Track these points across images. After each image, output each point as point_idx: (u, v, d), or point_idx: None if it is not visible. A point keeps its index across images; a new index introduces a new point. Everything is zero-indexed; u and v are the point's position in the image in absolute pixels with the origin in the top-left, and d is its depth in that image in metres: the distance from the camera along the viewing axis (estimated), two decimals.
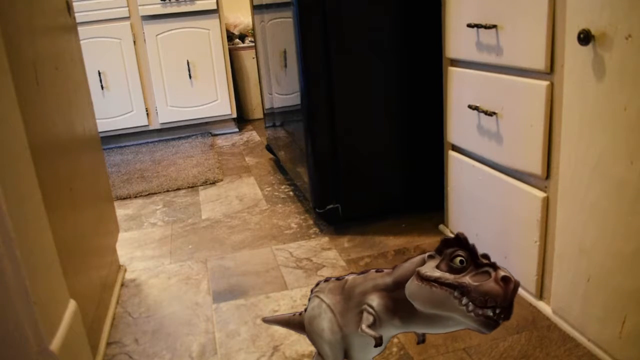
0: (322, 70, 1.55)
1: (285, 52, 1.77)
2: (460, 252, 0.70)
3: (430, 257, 0.74)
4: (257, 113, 3.42)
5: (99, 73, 2.87)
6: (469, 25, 1.27)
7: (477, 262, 0.69)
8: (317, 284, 0.92)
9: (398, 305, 0.76)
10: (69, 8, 1.33)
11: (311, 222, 1.80)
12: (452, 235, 0.72)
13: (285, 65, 1.81)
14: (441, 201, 1.61)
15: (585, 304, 1.04)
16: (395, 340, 1.13)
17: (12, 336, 0.76)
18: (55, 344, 0.80)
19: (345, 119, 1.60)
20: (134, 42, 2.89)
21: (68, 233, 1.02)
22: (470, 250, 0.70)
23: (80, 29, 1.48)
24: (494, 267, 0.68)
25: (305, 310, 0.94)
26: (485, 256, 0.70)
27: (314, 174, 1.66)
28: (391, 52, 1.58)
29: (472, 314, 0.66)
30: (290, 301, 1.32)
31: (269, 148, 2.55)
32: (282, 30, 1.77)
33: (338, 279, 0.88)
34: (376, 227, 1.69)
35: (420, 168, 1.70)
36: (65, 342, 0.84)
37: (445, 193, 1.58)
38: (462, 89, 1.39)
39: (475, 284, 0.67)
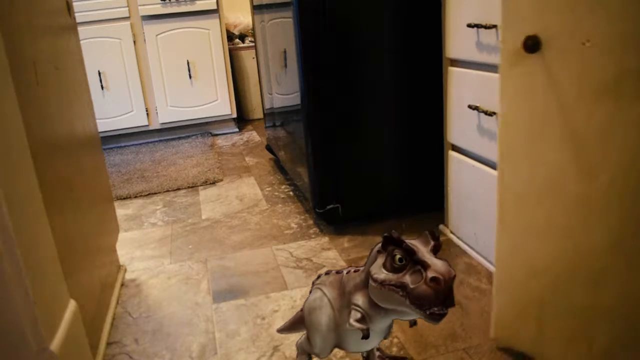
0: (322, 70, 1.55)
1: (285, 52, 1.77)
2: (397, 251, 0.73)
3: (379, 252, 0.77)
4: (257, 113, 3.42)
5: (99, 73, 2.87)
6: (469, 25, 1.27)
7: (414, 259, 0.72)
8: (319, 277, 0.95)
9: None
10: (69, 8, 1.33)
11: (311, 222, 1.80)
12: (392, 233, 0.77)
13: (285, 65, 1.81)
14: (441, 201, 1.61)
15: (541, 329, 0.97)
16: (396, 340, 1.13)
17: (12, 336, 0.76)
18: (55, 344, 0.80)
19: (345, 118, 1.60)
20: (134, 42, 2.89)
21: (68, 233, 1.02)
22: (406, 250, 0.72)
23: (80, 29, 1.49)
24: (425, 266, 0.70)
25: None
26: (436, 245, 0.74)
27: (314, 174, 1.66)
28: (391, 52, 1.58)
29: (413, 309, 0.71)
30: (290, 301, 1.32)
31: (269, 148, 2.55)
32: (282, 30, 1.77)
33: (338, 272, 0.91)
34: (376, 227, 1.69)
35: (420, 168, 1.70)
36: (65, 342, 0.84)
37: (445, 193, 1.58)
38: (462, 89, 1.39)
39: (412, 286, 0.70)
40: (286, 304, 1.31)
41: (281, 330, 1.09)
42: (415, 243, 0.75)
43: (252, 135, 3.11)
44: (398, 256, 0.73)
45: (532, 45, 0.80)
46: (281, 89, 1.99)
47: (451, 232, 1.58)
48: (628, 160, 0.83)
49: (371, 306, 0.80)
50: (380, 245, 0.77)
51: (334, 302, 0.88)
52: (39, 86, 0.97)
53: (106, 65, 2.88)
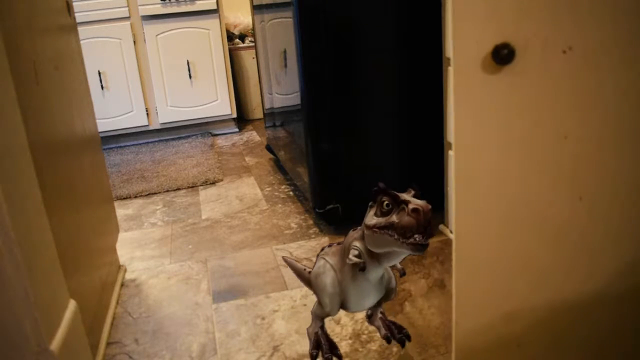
0: (322, 70, 1.55)
1: (285, 52, 1.77)
2: (385, 197, 0.87)
3: (371, 206, 0.92)
4: (257, 113, 3.42)
5: (99, 73, 2.87)
6: None
7: (398, 201, 0.86)
8: (323, 249, 1.10)
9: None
10: (69, 8, 1.33)
11: (311, 222, 1.80)
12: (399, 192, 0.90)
13: (285, 65, 1.81)
14: (441, 201, 1.61)
15: None
16: None
17: (12, 336, 0.76)
18: (55, 344, 0.80)
19: (345, 118, 1.60)
20: (134, 42, 2.89)
21: (68, 233, 1.02)
22: (391, 195, 0.87)
23: (80, 29, 1.49)
24: (406, 202, 0.84)
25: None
26: (413, 187, 0.89)
27: (314, 174, 1.66)
28: (391, 51, 1.58)
29: (404, 244, 0.83)
30: (290, 301, 1.32)
31: (269, 148, 2.55)
32: (282, 30, 1.77)
33: (339, 243, 1.07)
34: None
35: (420, 168, 1.70)
36: (65, 342, 0.84)
37: (445, 193, 1.58)
38: None
39: (397, 221, 0.84)
40: (286, 304, 1.31)
41: (286, 260, 1.24)
42: (399, 193, 0.89)
43: (252, 135, 3.11)
44: (385, 202, 0.87)
45: (505, 55, 0.70)
46: (281, 89, 1.99)
47: (451, 232, 1.58)
48: (617, 181, 0.78)
49: (367, 251, 0.95)
50: (372, 198, 0.91)
51: (335, 266, 1.03)
52: (39, 86, 0.97)
53: (106, 65, 2.88)
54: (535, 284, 0.83)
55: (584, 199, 0.79)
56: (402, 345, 1.11)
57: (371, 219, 0.90)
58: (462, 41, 0.70)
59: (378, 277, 1.02)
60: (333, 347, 1.09)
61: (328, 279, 1.04)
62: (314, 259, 1.54)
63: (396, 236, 0.84)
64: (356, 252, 0.96)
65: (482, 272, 0.82)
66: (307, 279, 1.16)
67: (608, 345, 0.89)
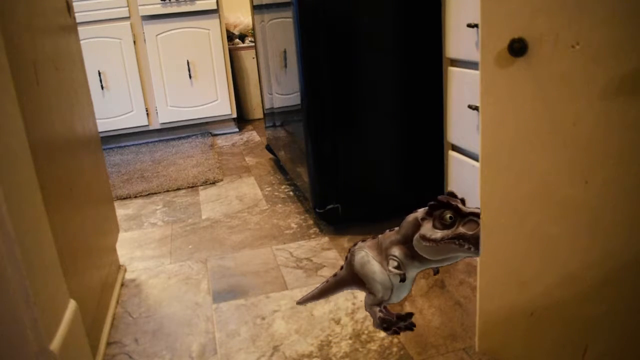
0: (322, 70, 1.55)
1: (285, 52, 1.77)
2: (448, 211, 0.91)
3: (424, 219, 0.95)
4: (257, 113, 3.42)
5: (99, 73, 2.87)
6: (469, 25, 1.27)
7: (462, 214, 0.89)
8: (356, 244, 1.12)
9: (412, 252, 0.98)
10: (69, 8, 1.33)
11: (311, 222, 1.80)
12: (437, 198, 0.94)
13: (285, 65, 1.81)
14: None
15: (530, 339, 0.95)
16: (396, 340, 1.13)
17: (12, 336, 0.76)
18: (55, 344, 0.80)
19: (345, 118, 1.60)
20: (134, 42, 2.89)
21: (68, 233, 1.02)
22: (454, 208, 0.90)
23: (80, 29, 1.49)
24: (475, 214, 0.89)
25: (342, 267, 1.13)
26: (462, 200, 0.92)
27: (314, 174, 1.66)
28: (391, 52, 1.58)
29: (475, 251, 0.88)
30: (290, 301, 1.32)
31: (269, 148, 2.55)
32: (282, 30, 1.77)
33: (374, 237, 1.09)
34: (376, 227, 1.69)
35: (420, 168, 1.70)
36: (65, 342, 0.84)
37: (445, 193, 1.58)
38: (462, 89, 1.39)
39: (471, 232, 0.88)
40: (286, 304, 1.31)
41: (304, 301, 1.20)
42: (453, 202, 0.93)
43: (252, 135, 3.11)
44: (449, 215, 0.90)
45: (519, 48, 0.78)
46: (281, 89, 1.99)
47: None
48: (621, 165, 0.82)
49: (405, 257, 0.98)
50: (423, 212, 0.96)
51: (375, 258, 1.05)
52: (39, 86, 0.97)
53: (106, 65, 2.88)
54: (547, 254, 0.90)
55: (589, 183, 0.83)
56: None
57: (433, 232, 0.92)
58: (487, 34, 0.80)
59: (414, 275, 1.04)
60: (401, 318, 1.12)
61: (375, 266, 1.05)
62: (314, 259, 1.55)
63: (467, 246, 0.89)
64: (395, 264, 0.99)
65: (503, 244, 0.91)
66: (338, 281, 1.13)
67: (607, 321, 0.92)
